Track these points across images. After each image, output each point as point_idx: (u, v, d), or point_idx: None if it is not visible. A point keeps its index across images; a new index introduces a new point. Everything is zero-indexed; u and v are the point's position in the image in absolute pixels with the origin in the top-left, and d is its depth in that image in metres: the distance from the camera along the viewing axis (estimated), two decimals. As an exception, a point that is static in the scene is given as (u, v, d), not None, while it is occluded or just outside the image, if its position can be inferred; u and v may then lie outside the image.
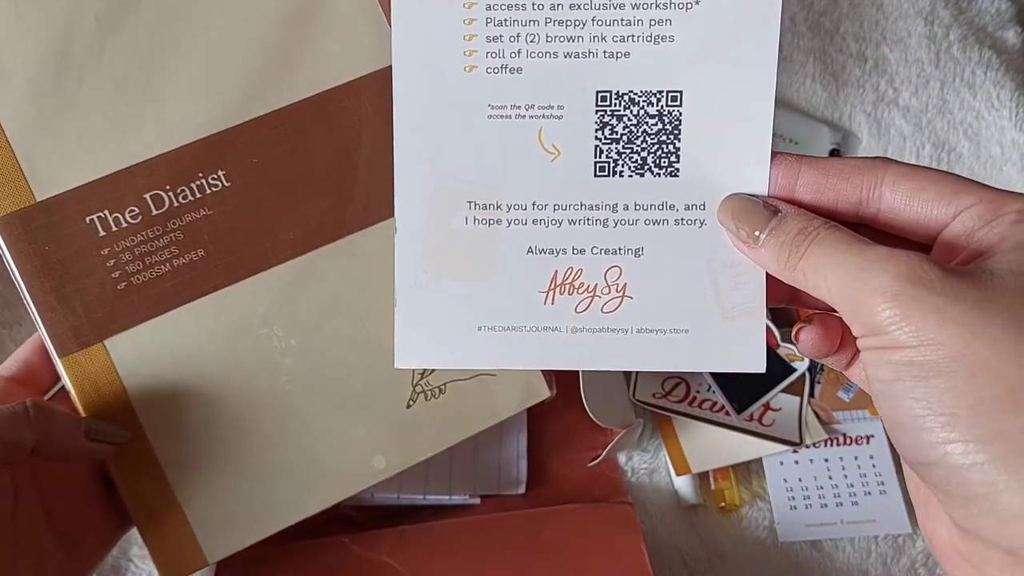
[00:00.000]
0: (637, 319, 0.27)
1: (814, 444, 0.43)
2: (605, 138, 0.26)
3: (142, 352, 0.33)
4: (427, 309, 0.27)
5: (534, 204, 0.27)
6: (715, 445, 0.43)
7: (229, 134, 0.33)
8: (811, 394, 0.44)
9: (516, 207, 0.27)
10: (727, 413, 0.43)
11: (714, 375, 0.43)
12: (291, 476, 0.34)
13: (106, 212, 0.32)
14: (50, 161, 0.32)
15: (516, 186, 0.27)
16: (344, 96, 0.34)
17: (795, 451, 0.43)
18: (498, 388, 0.35)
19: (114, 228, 0.32)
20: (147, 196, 0.33)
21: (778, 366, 0.43)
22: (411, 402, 0.35)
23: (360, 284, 0.34)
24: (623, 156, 0.26)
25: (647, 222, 0.27)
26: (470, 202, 0.27)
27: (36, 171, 0.32)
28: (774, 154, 0.26)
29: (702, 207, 0.26)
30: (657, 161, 0.26)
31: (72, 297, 0.32)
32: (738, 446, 0.43)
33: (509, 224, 0.27)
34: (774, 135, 0.26)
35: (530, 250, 0.27)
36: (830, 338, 0.26)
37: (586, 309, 0.27)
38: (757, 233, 0.24)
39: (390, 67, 0.33)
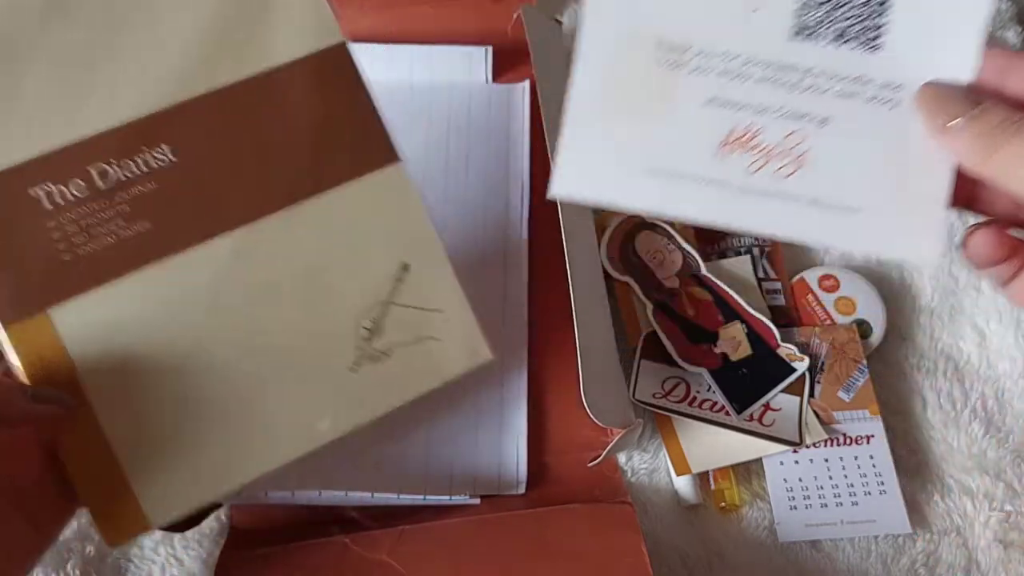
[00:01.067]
0: (810, 189, 0.26)
1: (814, 444, 0.43)
2: None
3: (87, 322, 0.33)
4: (594, 141, 0.26)
5: (724, 54, 0.26)
6: (715, 445, 0.43)
7: (176, 109, 0.34)
8: (811, 394, 0.44)
9: (705, 54, 0.26)
10: (727, 413, 0.43)
11: (714, 375, 0.43)
12: (235, 440, 0.34)
13: (50, 184, 0.33)
14: None
15: (710, 32, 0.26)
16: (290, 74, 0.35)
17: (795, 451, 0.43)
18: (441, 351, 0.36)
19: (60, 201, 0.33)
20: (92, 170, 0.33)
21: (778, 366, 0.43)
22: (356, 366, 0.35)
23: (306, 251, 0.35)
24: (826, 22, 0.25)
25: (838, 94, 0.25)
26: (659, 40, 0.26)
27: None
28: (986, 44, 0.24)
29: (898, 87, 0.25)
30: (859, 34, 0.25)
31: (14, 267, 0.33)
32: (738, 446, 0.43)
33: (695, 71, 0.26)
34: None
35: (712, 100, 0.26)
36: (1002, 247, 0.25)
37: (759, 169, 0.26)
38: (955, 121, 0.24)
39: (334, 46, 0.36)
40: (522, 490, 0.41)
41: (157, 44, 0.34)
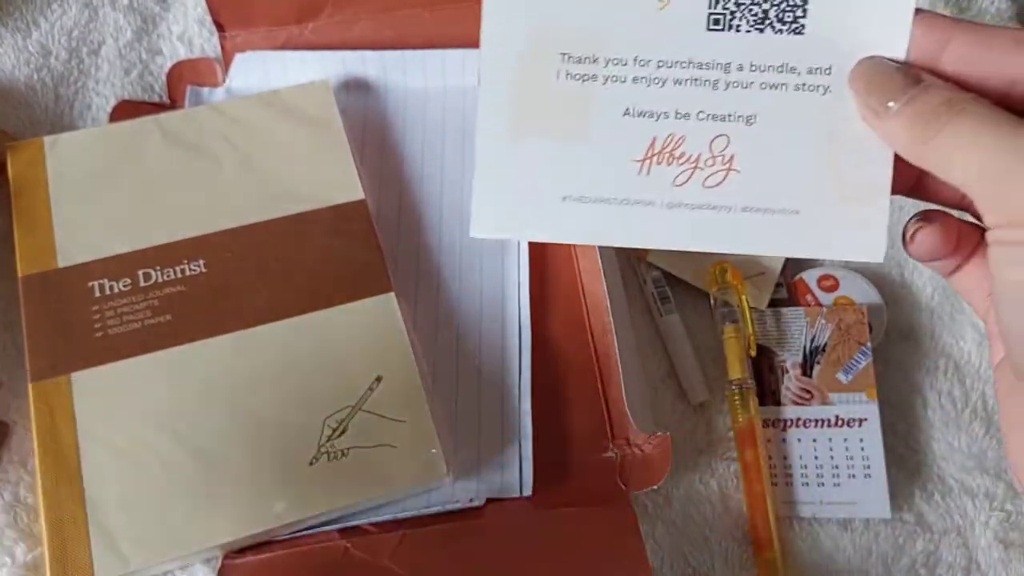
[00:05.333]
0: (743, 196, 0.24)
1: (804, 423, 0.43)
2: None
3: (98, 388, 0.39)
4: (509, 174, 0.24)
5: (636, 59, 0.24)
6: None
7: (218, 234, 0.43)
8: (808, 373, 0.44)
9: (615, 62, 0.24)
10: None
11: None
12: (195, 511, 0.37)
13: (105, 280, 0.41)
14: (76, 238, 0.42)
15: (618, 37, 0.23)
16: (316, 217, 0.43)
17: (784, 429, 0.43)
18: (396, 460, 0.39)
19: (108, 292, 0.41)
20: (139, 272, 0.42)
21: None
22: (314, 460, 0.38)
23: (295, 355, 0.40)
24: (742, 8, 0.23)
25: (763, 86, 0.23)
26: (564, 54, 0.24)
27: (63, 243, 0.42)
28: (918, 11, 0.22)
29: (827, 71, 0.23)
30: (780, 15, 0.23)
31: (59, 339, 0.40)
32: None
33: (606, 81, 0.24)
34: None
35: (627, 112, 0.24)
36: (947, 243, 0.23)
37: (686, 182, 0.24)
38: (890, 103, 0.22)
39: (355, 201, 0.44)
40: (528, 492, 0.41)
41: (218, 187, 0.44)
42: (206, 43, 0.51)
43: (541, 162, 0.24)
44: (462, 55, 0.49)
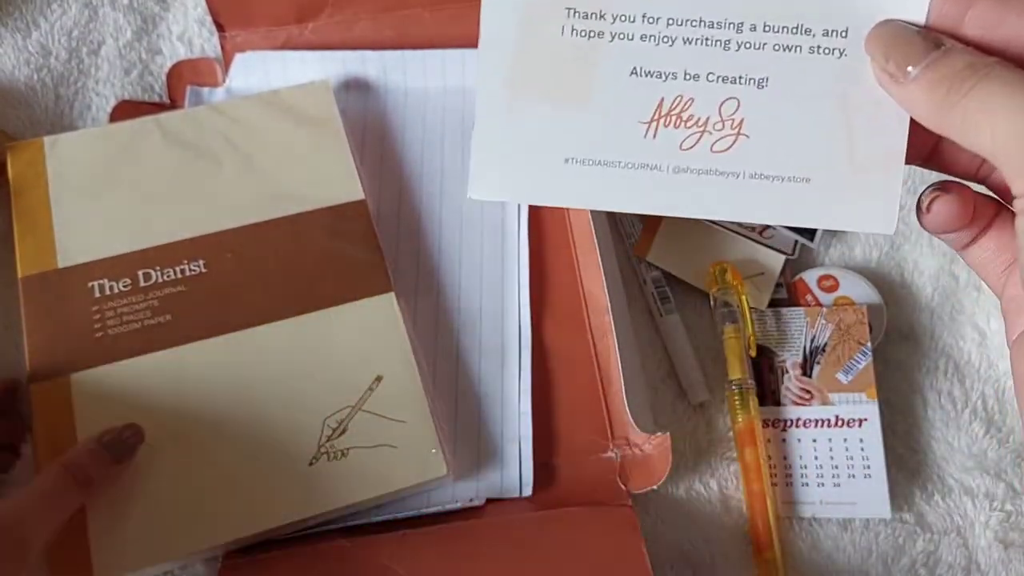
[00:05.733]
0: (752, 162, 0.23)
1: (804, 423, 0.43)
2: None
3: (97, 388, 0.39)
4: (509, 135, 0.24)
5: (644, 16, 0.23)
6: (690, 246, 0.45)
7: (219, 234, 0.43)
8: (808, 373, 0.44)
9: (623, 18, 0.23)
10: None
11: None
12: (193, 513, 0.37)
13: (105, 280, 0.41)
14: (76, 238, 0.42)
15: None
16: (315, 217, 0.44)
17: (784, 429, 0.43)
18: (396, 460, 0.39)
19: (108, 293, 0.41)
20: (139, 272, 0.42)
21: None
22: (314, 460, 0.39)
23: (295, 355, 0.40)
24: None
25: (776, 47, 0.23)
26: (569, 9, 0.23)
27: (63, 243, 0.42)
28: None
29: (843, 34, 0.22)
30: None
31: (59, 340, 0.40)
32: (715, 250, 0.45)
33: (613, 38, 0.23)
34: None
35: (634, 71, 0.23)
36: (964, 214, 0.22)
37: (693, 146, 0.23)
38: (909, 68, 0.21)
39: (355, 201, 0.44)
40: (528, 492, 0.41)
41: (218, 187, 0.44)
42: (206, 43, 0.51)
43: (543, 122, 0.24)
44: (462, 55, 0.49)
